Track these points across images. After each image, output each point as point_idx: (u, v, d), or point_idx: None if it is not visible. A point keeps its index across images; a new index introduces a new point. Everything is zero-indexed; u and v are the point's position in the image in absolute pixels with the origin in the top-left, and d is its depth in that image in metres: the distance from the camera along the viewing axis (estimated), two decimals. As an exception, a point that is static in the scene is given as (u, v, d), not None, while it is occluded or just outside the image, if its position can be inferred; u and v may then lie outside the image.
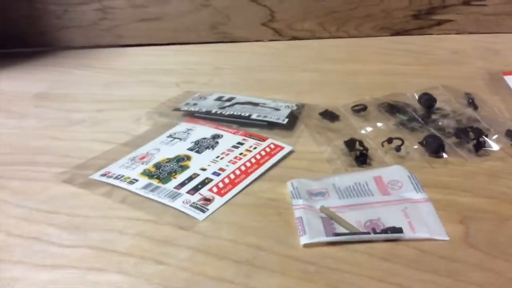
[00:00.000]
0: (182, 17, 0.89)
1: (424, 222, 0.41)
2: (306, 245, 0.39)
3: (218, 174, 0.49)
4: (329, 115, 0.60)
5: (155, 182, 0.49)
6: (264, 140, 0.55)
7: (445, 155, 0.50)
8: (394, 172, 0.48)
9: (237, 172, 0.50)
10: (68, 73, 0.81)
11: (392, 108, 0.59)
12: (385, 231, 0.40)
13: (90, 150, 0.56)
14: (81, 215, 0.45)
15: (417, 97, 0.61)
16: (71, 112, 0.66)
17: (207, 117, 0.61)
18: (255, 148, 0.53)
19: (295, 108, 0.61)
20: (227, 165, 0.51)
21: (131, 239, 0.42)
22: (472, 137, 0.51)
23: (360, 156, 0.50)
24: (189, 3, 0.88)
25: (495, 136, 0.52)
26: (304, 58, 0.82)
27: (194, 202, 0.45)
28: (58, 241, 0.42)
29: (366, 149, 0.51)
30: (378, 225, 0.41)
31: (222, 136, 0.56)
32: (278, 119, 0.58)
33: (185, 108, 0.63)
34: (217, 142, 0.55)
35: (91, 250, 0.41)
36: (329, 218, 0.42)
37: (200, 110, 0.62)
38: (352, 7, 0.86)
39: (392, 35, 0.88)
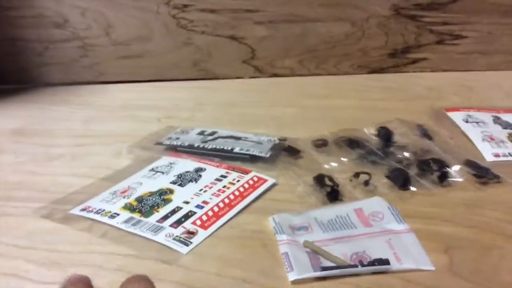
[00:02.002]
0: (164, 54, 0.90)
1: (409, 253, 0.41)
2: (294, 282, 0.39)
3: (202, 207, 0.49)
4: (291, 150, 0.60)
5: (137, 216, 0.48)
6: (247, 173, 0.55)
7: (412, 188, 0.51)
8: (374, 204, 0.48)
9: (221, 204, 0.49)
10: (47, 110, 0.80)
11: (352, 143, 0.60)
12: (372, 263, 0.40)
13: (69, 185, 0.55)
14: (60, 250, 0.44)
15: (374, 131, 0.62)
16: (49, 147, 0.65)
17: (189, 151, 0.61)
18: (238, 181, 0.53)
19: (277, 141, 0.61)
20: (210, 198, 0.50)
21: (112, 274, 0.41)
22: (435, 169, 0.52)
23: (331, 192, 0.50)
24: (171, 41, 0.89)
25: (456, 167, 0.54)
26: (284, 94, 0.83)
27: (177, 236, 0.45)
28: (36, 278, 0.41)
29: (337, 185, 0.51)
30: (365, 258, 0.41)
31: (205, 169, 0.56)
32: (261, 152, 0.58)
33: (167, 142, 0.63)
34: (200, 175, 0.55)
35: (70, 286, 0.39)
36: (314, 252, 0.42)
37: (182, 144, 0.62)
38: (331, 46, 0.89)
39: (370, 72, 0.91)
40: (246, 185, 0.52)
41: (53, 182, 0.56)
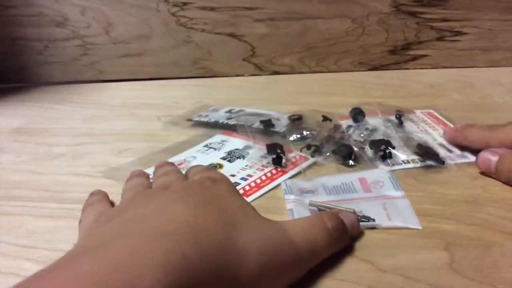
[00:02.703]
0: (164, 52, 0.90)
1: (400, 214, 0.45)
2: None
3: (246, 179, 0.53)
4: (267, 123, 0.65)
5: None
6: (290, 152, 0.58)
7: (351, 162, 0.55)
8: (377, 174, 0.52)
9: (263, 177, 0.53)
10: (48, 108, 0.80)
11: (325, 120, 0.64)
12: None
13: (70, 184, 0.55)
14: (61, 249, 0.44)
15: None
16: (50, 146, 0.65)
17: (215, 125, 0.67)
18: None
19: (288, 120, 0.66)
20: (254, 172, 0.54)
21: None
22: (381, 148, 0.56)
23: (276, 158, 0.55)
24: (171, 39, 0.89)
25: (404, 148, 0.57)
26: (284, 92, 0.83)
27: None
28: (37, 277, 0.41)
29: (284, 153, 0.56)
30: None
31: (252, 147, 0.60)
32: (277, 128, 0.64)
33: (197, 118, 0.69)
34: (248, 152, 0.59)
35: (71, 285, 0.39)
36: (317, 209, 0.45)
37: (209, 121, 0.68)
38: (331, 43, 0.89)
39: (370, 69, 0.91)
40: (288, 162, 0.56)
41: (54, 181, 0.56)
